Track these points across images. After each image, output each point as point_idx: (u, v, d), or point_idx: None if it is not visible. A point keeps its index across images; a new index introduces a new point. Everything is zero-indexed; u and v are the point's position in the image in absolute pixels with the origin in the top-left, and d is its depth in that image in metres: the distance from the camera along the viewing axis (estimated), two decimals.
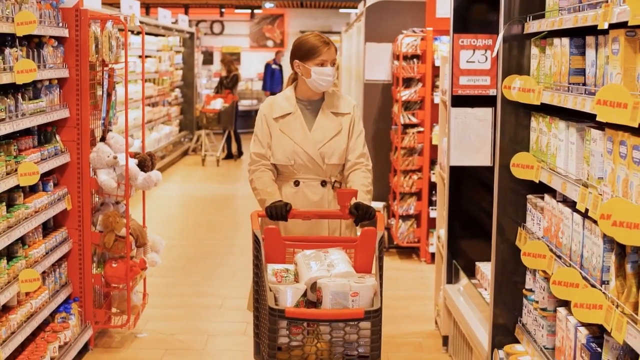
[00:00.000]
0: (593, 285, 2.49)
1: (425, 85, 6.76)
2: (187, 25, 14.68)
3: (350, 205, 3.37)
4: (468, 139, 4.50)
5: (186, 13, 18.05)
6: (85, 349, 4.58)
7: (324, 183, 3.65)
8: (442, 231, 4.89)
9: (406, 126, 6.89)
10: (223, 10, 19.97)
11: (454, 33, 4.46)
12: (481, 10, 4.47)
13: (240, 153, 13.44)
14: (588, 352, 2.56)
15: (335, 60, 3.62)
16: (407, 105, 6.87)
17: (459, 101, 4.51)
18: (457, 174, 4.63)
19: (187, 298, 5.79)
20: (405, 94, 6.82)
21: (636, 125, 2.10)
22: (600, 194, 2.43)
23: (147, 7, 17.30)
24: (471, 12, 4.48)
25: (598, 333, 2.60)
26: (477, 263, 4.34)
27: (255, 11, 20.34)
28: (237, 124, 13.45)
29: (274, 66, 16.93)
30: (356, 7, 12.64)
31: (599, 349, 2.53)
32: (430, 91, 6.72)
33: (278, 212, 3.37)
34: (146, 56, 10.67)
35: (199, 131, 13.54)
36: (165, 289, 5.92)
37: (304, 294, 2.99)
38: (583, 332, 2.65)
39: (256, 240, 3.14)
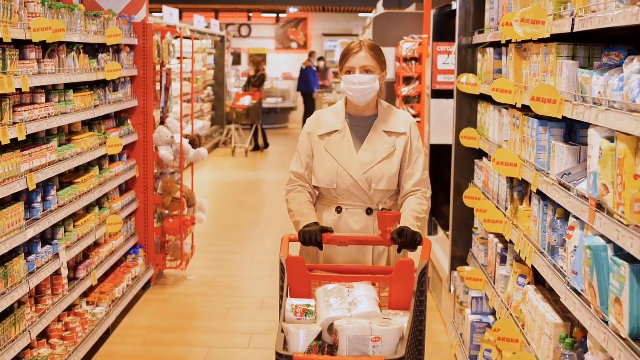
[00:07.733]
0: (500, 210, 3.80)
1: (421, 83, 8.05)
2: (218, 29, 15.99)
3: (394, 231, 2.97)
4: (444, 123, 5.81)
5: (216, 17, 19.34)
6: (148, 285, 5.94)
7: (369, 211, 3.23)
8: None
9: None
10: (250, 14, 21.31)
11: (433, 41, 5.78)
12: (454, 23, 5.75)
13: (266, 145, 14.76)
14: (500, 257, 3.86)
15: (368, 67, 3.16)
16: (407, 100, 8.18)
17: (437, 94, 5.83)
18: (437, 151, 5.93)
19: (224, 254, 7.14)
20: (405, 90, 8.12)
21: (514, 104, 3.40)
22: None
23: (180, 12, 18.63)
24: (447, 25, 5.78)
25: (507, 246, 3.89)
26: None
27: (281, 15, 21.66)
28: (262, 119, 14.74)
29: (306, 67, 17.38)
30: (371, 12, 13.95)
31: (506, 254, 3.82)
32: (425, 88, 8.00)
33: (312, 237, 2.99)
34: (184, 58, 12.01)
35: (229, 125, 14.88)
36: (207, 248, 7.27)
37: (319, 337, 2.61)
38: (500, 245, 3.94)
39: (282, 269, 2.81)
